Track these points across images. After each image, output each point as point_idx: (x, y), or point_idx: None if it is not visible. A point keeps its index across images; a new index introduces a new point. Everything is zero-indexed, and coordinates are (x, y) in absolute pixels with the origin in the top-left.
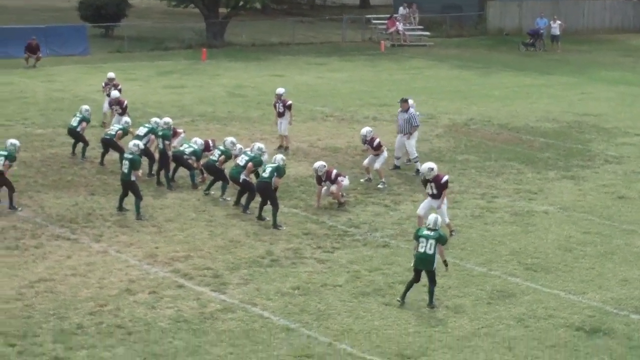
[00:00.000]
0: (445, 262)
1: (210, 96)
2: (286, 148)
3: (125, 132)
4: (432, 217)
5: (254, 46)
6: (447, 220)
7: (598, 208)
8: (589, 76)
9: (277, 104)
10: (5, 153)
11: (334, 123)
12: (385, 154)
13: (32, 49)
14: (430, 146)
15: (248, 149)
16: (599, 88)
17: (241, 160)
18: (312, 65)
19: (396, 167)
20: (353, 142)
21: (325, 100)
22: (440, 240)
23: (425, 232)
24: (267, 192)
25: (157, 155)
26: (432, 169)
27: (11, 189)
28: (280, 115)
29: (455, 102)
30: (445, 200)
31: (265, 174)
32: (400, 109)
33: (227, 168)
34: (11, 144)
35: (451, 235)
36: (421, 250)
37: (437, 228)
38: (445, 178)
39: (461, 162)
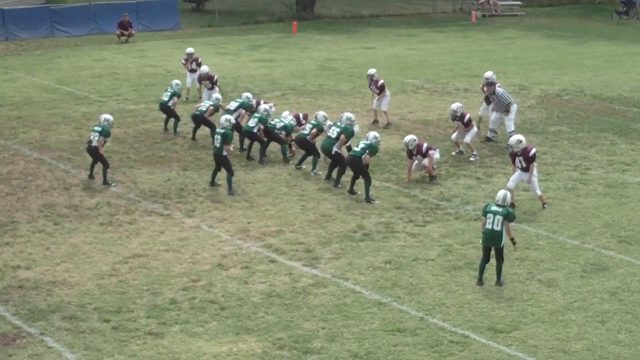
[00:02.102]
0: (512, 241)
1: (300, 70)
2: (388, 124)
3: (216, 108)
4: (500, 193)
5: (344, 18)
6: (539, 192)
7: None
8: None
9: (371, 86)
10: (99, 129)
11: (425, 95)
12: (475, 129)
13: (124, 26)
14: (522, 117)
15: (338, 120)
16: None
17: (332, 132)
18: (403, 37)
19: (488, 140)
20: (444, 115)
21: (416, 72)
22: (508, 217)
23: (494, 207)
24: (358, 166)
25: None
26: (520, 141)
27: (105, 165)
28: (378, 94)
29: (547, 73)
30: (535, 172)
31: (357, 149)
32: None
33: (318, 142)
34: (105, 119)
35: (543, 207)
36: (488, 226)
37: (505, 204)
38: (533, 151)
39: (553, 133)
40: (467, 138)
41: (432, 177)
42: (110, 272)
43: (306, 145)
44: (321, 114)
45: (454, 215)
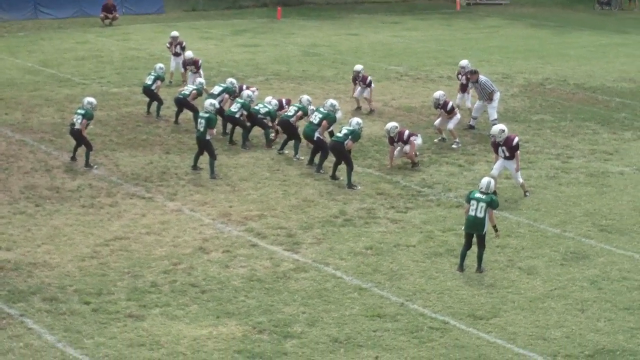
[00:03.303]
0: (495, 228)
1: (284, 55)
2: (371, 111)
3: (199, 92)
4: (484, 180)
5: (328, 5)
6: (521, 180)
7: None
8: None
9: (357, 81)
10: (82, 112)
11: (408, 82)
12: (458, 115)
13: (108, 9)
14: (505, 106)
15: (321, 106)
16: None
17: (314, 118)
18: (387, 23)
19: (471, 127)
20: (427, 102)
21: (399, 59)
22: (492, 204)
23: (477, 194)
24: (340, 152)
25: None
26: (503, 131)
27: (88, 148)
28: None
29: (530, 62)
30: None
31: (340, 135)
32: (471, 81)
33: (301, 126)
34: (88, 102)
35: (525, 196)
36: (471, 213)
37: (489, 192)
38: (516, 140)
39: (536, 122)
40: (450, 125)
41: (414, 164)
42: (91, 255)
43: (289, 129)
44: (305, 97)
45: (436, 202)
